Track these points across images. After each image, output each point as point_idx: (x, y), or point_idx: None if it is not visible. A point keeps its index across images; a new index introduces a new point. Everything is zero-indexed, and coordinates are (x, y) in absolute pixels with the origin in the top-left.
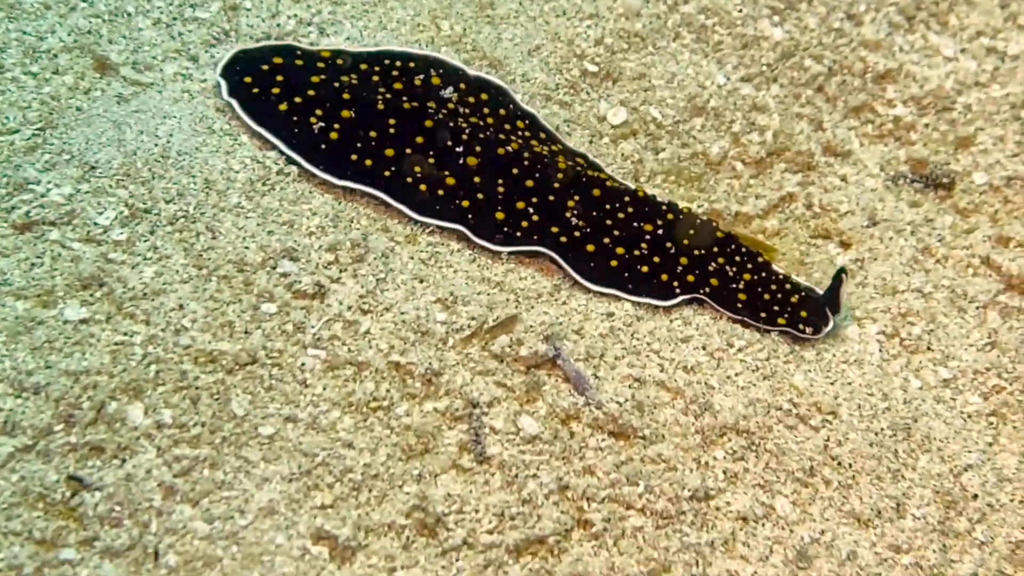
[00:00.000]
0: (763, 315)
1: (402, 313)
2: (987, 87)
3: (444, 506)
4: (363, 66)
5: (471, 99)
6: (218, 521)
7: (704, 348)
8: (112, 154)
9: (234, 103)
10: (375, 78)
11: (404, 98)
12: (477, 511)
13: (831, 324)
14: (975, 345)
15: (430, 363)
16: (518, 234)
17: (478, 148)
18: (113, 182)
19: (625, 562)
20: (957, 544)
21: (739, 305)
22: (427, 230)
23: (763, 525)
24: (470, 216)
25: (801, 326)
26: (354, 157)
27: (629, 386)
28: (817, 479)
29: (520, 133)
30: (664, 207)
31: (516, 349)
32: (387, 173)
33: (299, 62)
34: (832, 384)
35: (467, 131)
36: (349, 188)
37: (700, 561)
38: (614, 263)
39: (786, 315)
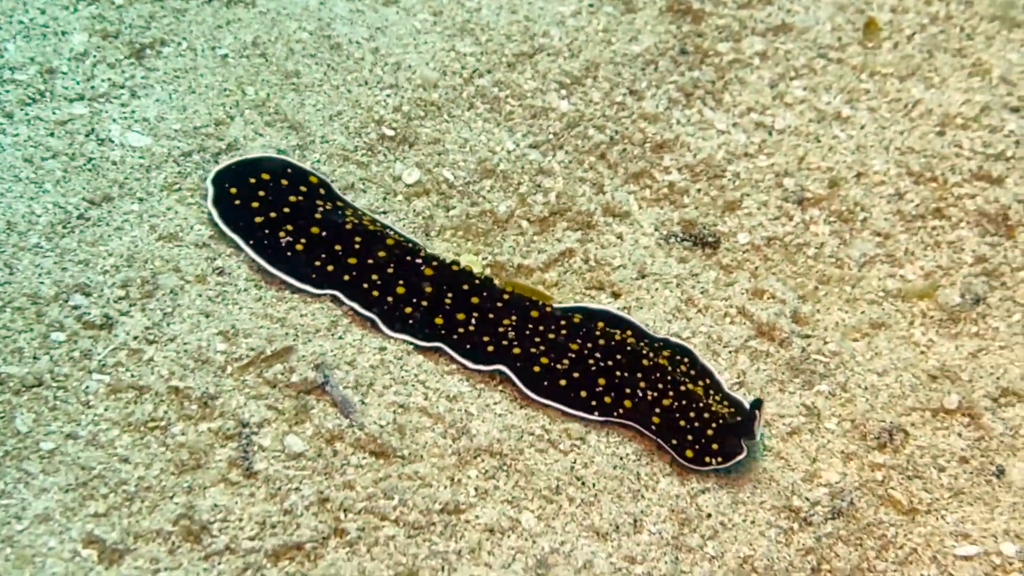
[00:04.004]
0: (674, 442)
1: (185, 343)
2: (755, 157)
3: (210, 515)
4: (339, 203)
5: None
6: None
7: (468, 380)
8: None
9: (214, 212)
10: (348, 212)
11: (370, 224)
12: (241, 520)
13: (744, 452)
14: (725, 384)
15: (207, 388)
16: (454, 337)
17: (435, 263)
18: None
19: (376, 567)
20: (689, 557)
21: (653, 427)
22: (216, 272)
23: (508, 536)
24: (411, 320)
25: (707, 458)
26: (317, 263)
27: (393, 411)
28: (562, 496)
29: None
30: (592, 329)
31: (288, 376)
32: (347, 278)
33: (284, 181)
34: None
35: (423, 251)
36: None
37: (446, 567)
38: (536, 368)
39: (696, 447)
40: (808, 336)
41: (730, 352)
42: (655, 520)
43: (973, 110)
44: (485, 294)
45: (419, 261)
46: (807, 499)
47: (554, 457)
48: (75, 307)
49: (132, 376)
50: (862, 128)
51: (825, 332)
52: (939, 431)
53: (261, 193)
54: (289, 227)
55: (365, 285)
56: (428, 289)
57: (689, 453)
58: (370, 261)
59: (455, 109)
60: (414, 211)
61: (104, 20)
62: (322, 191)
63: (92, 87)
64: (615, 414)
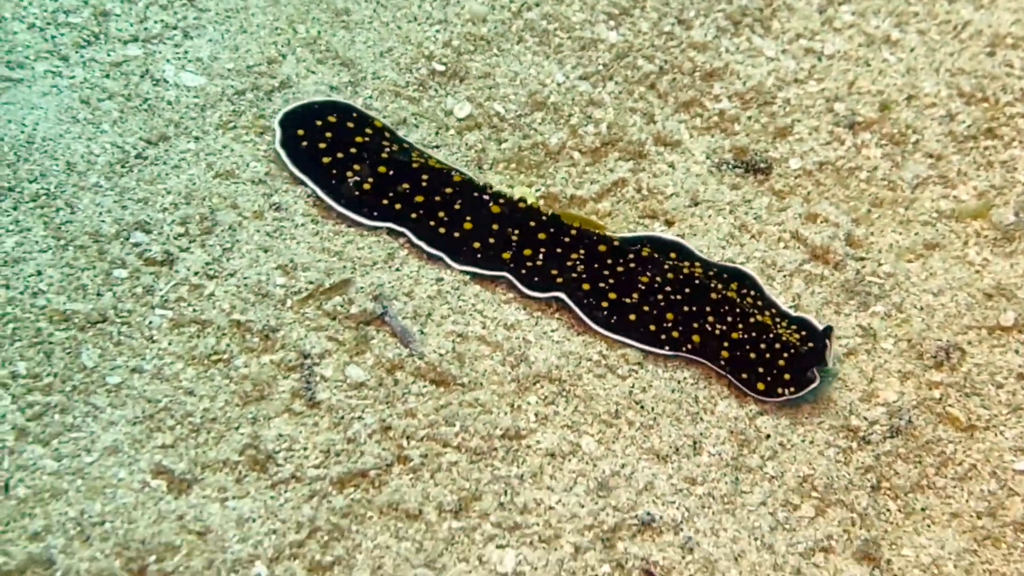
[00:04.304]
0: (744, 376)
1: (245, 278)
2: (804, 83)
3: (275, 444)
4: (405, 145)
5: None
6: (66, 459)
7: (525, 308)
8: None
9: (282, 153)
10: (415, 153)
11: (435, 163)
12: (305, 449)
13: (817, 380)
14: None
15: (268, 321)
16: (523, 272)
17: (502, 200)
18: None
19: (439, 492)
20: (749, 477)
21: (722, 363)
22: (273, 207)
23: (569, 460)
24: (479, 255)
25: (780, 388)
26: (384, 202)
27: (452, 340)
28: (621, 420)
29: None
30: (661, 262)
31: (347, 308)
32: (414, 215)
33: (350, 124)
34: None
35: (490, 189)
36: (376, 227)
37: (509, 491)
38: (605, 304)
39: (768, 379)
40: (863, 258)
41: (785, 276)
42: (714, 442)
43: (1023, 29)
44: (552, 230)
45: (486, 198)
46: (865, 418)
47: (612, 382)
48: (136, 244)
49: (194, 311)
50: (912, 51)
51: (879, 254)
52: (996, 348)
53: (328, 134)
54: (356, 167)
55: (432, 222)
56: (495, 226)
57: (761, 386)
58: (437, 198)
59: (504, 43)
60: (466, 145)
61: None
62: (387, 134)
63: (145, 28)
64: (684, 349)
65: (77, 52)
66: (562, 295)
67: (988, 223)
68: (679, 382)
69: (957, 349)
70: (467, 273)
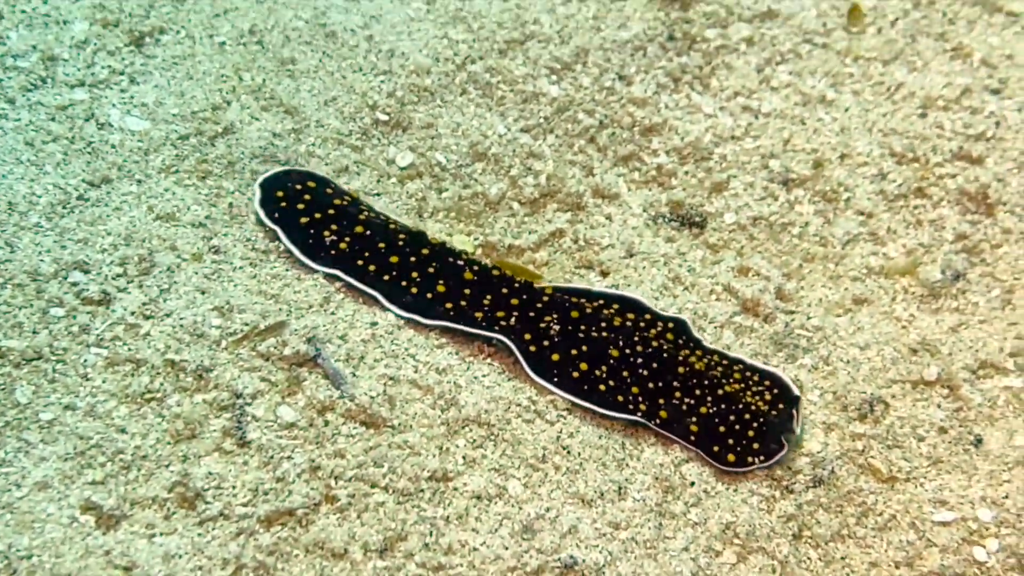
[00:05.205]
0: (715, 449)
1: (181, 319)
2: (741, 140)
3: (204, 483)
4: (382, 215)
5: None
6: None
7: (457, 353)
8: None
9: (261, 212)
10: (391, 221)
11: (412, 228)
12: (234, 487)
13: (785, 449)
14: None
15: (202, 361)
16: (496, 328)
17: (476, 267)
18: None
19: (365, 532)
20: (672, 523)
21: (692, 437)
22: (212, 250)
23: (495, 503)
24: (452, 313)
25: (750, 458)
26: (359, 263)
27: (383, 383)
28: (548, 465)
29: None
30: (636, 335)
31: (281, 349)
32: (387, 278)
33: (329, 190)
34: None
35: (464, 255)
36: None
37: (434, 531)
38: (576, 374)
39: (738, 449)
40: (792, 312)
41: (716, 327)
42: (639, 487)
43: (954, 92)
44: (525, 297)
45: (461, 263)
46: (789, 468)
47: (540, 427)
48: (74, 284)
49: (129, 350)
50: (846, 111)
51: (809, 308)
52: (919, 402)
53: (307, 197)
54: (334, 227)
55: (404, 283)
56: (467, 291)
57: (731, 457)
58: (413, 259)
59: (448, 94)
60: (407, 193)
61: (104, 9)
62: (364, 204)
63: (92, 74)
64: (653, 422)
65: (24, 95)
66: (504, 338)
67: (916, 280)
68: (606, 428)
69: (881, 402)
70: (440, 328)
